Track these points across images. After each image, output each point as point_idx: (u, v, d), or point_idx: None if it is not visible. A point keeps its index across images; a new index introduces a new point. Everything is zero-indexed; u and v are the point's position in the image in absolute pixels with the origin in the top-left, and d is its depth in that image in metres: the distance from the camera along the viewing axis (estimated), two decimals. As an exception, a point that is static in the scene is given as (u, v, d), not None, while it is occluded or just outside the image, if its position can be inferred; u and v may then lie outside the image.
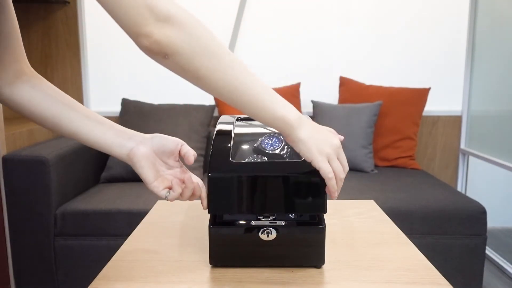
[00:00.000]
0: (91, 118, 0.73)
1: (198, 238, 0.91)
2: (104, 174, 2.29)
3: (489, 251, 2.47)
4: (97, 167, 2.34)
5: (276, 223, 0.76)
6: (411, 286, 0.72)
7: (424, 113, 2.63)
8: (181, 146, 0.75)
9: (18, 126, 2.11)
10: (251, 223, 0.76)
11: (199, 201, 0.76)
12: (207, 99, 2.59)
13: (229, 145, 0.78)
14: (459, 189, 2.72)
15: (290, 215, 0.79)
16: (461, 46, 2.63)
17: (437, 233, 1.91)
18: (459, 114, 2.68)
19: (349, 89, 2.55)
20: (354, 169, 2.39)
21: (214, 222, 0.76)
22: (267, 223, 0.76)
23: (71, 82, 2.62)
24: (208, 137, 2.45)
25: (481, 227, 1.91)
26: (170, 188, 0.72)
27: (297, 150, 0.69)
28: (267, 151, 0.78)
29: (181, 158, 0.75)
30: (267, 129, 0.82)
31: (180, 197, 0.73)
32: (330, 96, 2.65)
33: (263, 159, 0.77)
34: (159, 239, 0.91)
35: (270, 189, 0.73)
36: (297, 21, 2.61)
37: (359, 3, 2.60)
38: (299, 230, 0.76)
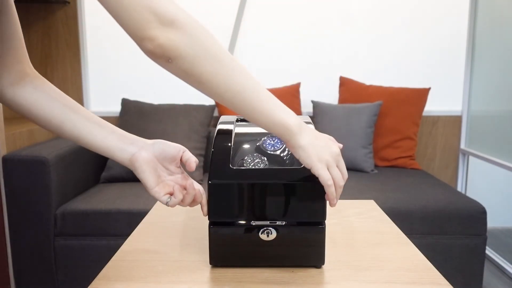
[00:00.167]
0: (93, 121, 0.73)
1: (198, 238, 0.91)
2: (104, 174, 2.29)
3: (489, 251, 2.47)
4: (97, 167, 2.34)
5: (276, 223, 0.76)
6: (411, 286, 0.72)
7: (424, 113, 2.63)
8: (183, 152, 0.75)
9: (18, 126, 2.11)
10: (251, 223, 0.76)
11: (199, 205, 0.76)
12: (207, 99, 2.59)
13: (229, 149, 0.78)
14: (459, 189, 2.72)
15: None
16: (461, 46, 2.63)
17: (437, 233, 1.91)
18: (459, 114, 2.68)
19: (349, 89, 2.55)
20: (354, 169, 2.39)
21: (214, 222, 0.77)
22: (267, 223, 0.76)
23: (71, 82, 2.62)
24: (208, 137, 2.45)
25: (481, 227, 1.91)
26: (171, 194, 0.72)
27: (297, 156, 0.69)
28: (268, 152, 0.78)
29: (182, 164, 0.75)
30: None
31: (181, 203, 0.73)
32: (330, 96, 2.65)
33: (262, 159, 0.77)
34: (159, 239, 0.91)
35: (269, 196, 0.74)
36: (297, 21, 2.62)
37: (359, 3, 2.60)
38: (299, 230, 0.76)
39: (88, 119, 0.72)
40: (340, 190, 0.70)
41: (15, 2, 0.71)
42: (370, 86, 2.53)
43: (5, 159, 1.85)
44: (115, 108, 2.58)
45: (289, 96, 2.51)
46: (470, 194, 2.69)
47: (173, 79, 2.63)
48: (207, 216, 0.75)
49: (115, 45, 2.60)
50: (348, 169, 2.39)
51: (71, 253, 1.91)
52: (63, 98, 0.73)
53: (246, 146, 0.81)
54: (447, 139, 2.70)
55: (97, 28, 2.59)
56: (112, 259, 0.82)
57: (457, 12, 2.60)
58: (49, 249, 1.91)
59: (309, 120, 0.86)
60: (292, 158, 0.77)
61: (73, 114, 0.72)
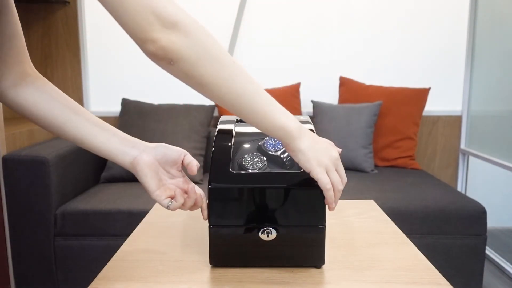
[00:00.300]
0: (95, 123, 0.72)
1: (198, 238, 0.91)
2: (104, 174, 2.29)
3: (489, 251, 2.47)
4: (97, 167, 2.34)
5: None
6: (411, 286, 0.72)
7: (424, 113, 2.63)
8: (184, 156, 0.75)
9: (18, 126, 2.11)
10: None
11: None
12: (207, 99, 2.59)
13: (229, 150, 0.78)
14: (459, 189, 2.72)
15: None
16: (461, 46, 2.63)
17: (437, 233, 1.91)
18: (459, 114, 2.68)
19: (349, 89, 2.55)
20: (354, 169, 2.39)
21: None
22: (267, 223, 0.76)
23: (71, 82, 2.62)
24: (208, 137, 2.45)
25: (481, 227, 1.91)
26: (172, 198, 0.72)
27: (296, 160, 0.70)
28: (269, 152, 0.78)
29: (183, 168, 0.76)
30: None
31: (182, 207, 0.73)
32: (330, 96, 2.65)
33: (262, 159, 0.77)
34: (159, 239, 0.91)
35: (269, 200, 0.74)
36: (297, 21, 2.62)
37: (360, 4, 2.60)
38: (299, 230, 0.76)
39: (89, 121, 0.72)
40: (339, 194, 0.71)
41: (15, 2, 0.71)
42: (370, 86, 2.53)
43: (5, 159, 1.85)
44: (115, 108, 2.58)
45: (289, 96, 2.51)
46: (470, 194, 2.69)
47: (173, 79, 2.63)
48: (208, 221, 0.76)
49: (115, 45, 2.60)
50: (348, 169, 2.39)
51: (71, 253, 1.91)
52: (65, 99, 0.73)
53: (246, 146, 0.81)
54: (447, 139, 2.70)
55: (97, 28, 2.59)
56: (112, 259, 0.82)
57: (457, 12, 2.60)
58: (49, 249, 1.91)
59: (309, 120, 0.86)
60: (292, 160, 0.77)
61: (75, 115, 0.72)
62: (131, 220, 1.87)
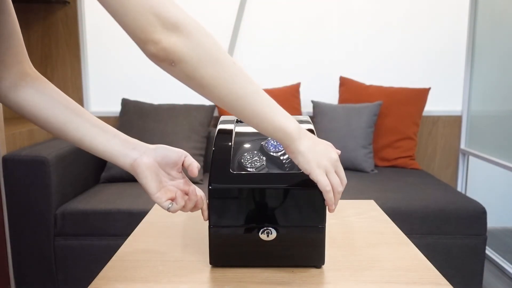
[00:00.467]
0: (95, 125, 0.72)
1: (198, 238, 0.91)
2: (104, 174, 2.29)
3: (489, 251, 2.47)
4: (97, 167, 2.34)
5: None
6: (411, 286, 0.72)
7: (424, 113, 2.63)
8: (185, 157, 0.74)
9: (18, 126, 2.11)
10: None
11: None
12: (207, 100, 2.59)
13: (230, 150, 0.78)
14: (459, 189, 2.72)
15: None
16: (461, 46, 2.63)
17: (437, 233, 1.91)
18: (459, 114, 2.68)
19: (349, 89, 2.55)
20: (354, 169, 2.39)
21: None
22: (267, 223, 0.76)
23: (71, 82, 2.62)
24: (208, 137, 2.45)
25: (481, 227, 1.91)
26: (172, 200, 0.72)
27: (296, 162, 0.70)
28: (270, 153, 0.78)
29: (184, 169, 0.75)
30: None
31: (183, 209, 0.73)
32: (330, 96, 2.65)
33: (261, 158, 0.77)
34: (159, 239, 0.91)
35: (269, 201, 0.74)
36: (297, 21, 2.62)
37: (360, 4, 2.60)
38: (299, 230, 0.76)
39: (90, 123, 0.72)
40: (338, 196, 0.71)
41: (15, 2, 0.71)
42: (370, 86, 2.53)
43: (5, 159, 1.85)
44: (115, 108, 2.58)
45: (289, 96, 2.51)
46: (470, 194, 2.69)
47: (173, 79, 2.62)
48: (208, 221, 0.76)
49: (115, 45, 2.60)
50: (348, 169, 2.39)
51: (71, 253, 1.91)
52: (65, 100, 0.73)
53: (246, 145, 0.81)
54: (447, 139, 2.70)
55: (97, 28, 2.59)
56: (112, 259, 0.82)
57: (457, 12, 2.60)
58: (49, 249, 1.91)
59: (309, 120, 0.86)
60: (291, 163, 0.77)
61: (75, 117, 0.72)
62: (131, 220, 1.87)
